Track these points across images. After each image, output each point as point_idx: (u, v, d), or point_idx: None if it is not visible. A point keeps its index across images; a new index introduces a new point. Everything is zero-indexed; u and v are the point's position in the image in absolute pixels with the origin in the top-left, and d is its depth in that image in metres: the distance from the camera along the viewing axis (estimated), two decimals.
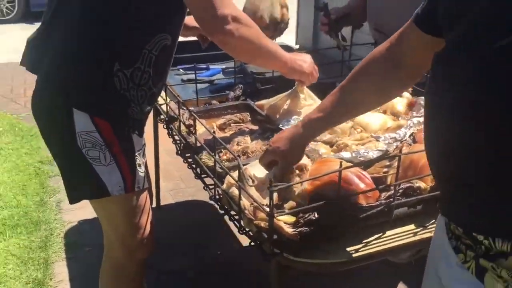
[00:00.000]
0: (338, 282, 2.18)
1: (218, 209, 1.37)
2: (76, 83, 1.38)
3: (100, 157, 1.40)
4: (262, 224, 1.11)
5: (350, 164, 1.23)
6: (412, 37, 1.02)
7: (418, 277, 1.07)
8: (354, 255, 1.14)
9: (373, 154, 1.37)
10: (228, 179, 1.26)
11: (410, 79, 1.15)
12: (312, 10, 5.82)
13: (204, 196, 2.94)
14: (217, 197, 1.36)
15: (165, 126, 1.78)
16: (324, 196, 1.14)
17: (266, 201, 1.14)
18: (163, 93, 1.69)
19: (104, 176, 1.42)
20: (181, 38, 1.53)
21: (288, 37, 5.45)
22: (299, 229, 1.09)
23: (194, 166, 1.55)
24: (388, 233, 1.21)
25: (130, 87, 1.39)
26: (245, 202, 1.15)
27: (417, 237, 1.20)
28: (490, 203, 0.79)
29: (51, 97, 1.42)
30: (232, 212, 1.28)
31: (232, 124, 1.71)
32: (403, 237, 1.20)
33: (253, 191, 1.16)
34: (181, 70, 2.27)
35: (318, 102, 1.65)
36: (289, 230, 1.09)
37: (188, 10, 1.41)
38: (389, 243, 1.18)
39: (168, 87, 1.74)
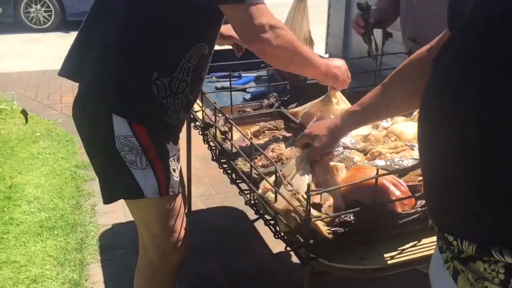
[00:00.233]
0: None
1: (254, 213, 1.40)
2: (116, 89, 1.44)
3: (137, 161, 1.45)
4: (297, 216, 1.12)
5: (385, 172, 1.24)
6: (445, 39, 1.04)
7: None
8: (389, 261, 1.15)
9: (408, 163, 1.38)
10: (264, 184, 1.28)
11: None
12: (343, 19, 5.83)
13: (233, 202, 2.98)
14: (252, 202, 1.38)
15: (200, 133, 1.83)
16: (360, 203, 1.15)
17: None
18: (199, 100, 1.73)
19: (140, 179, 1.46)
20: (216, 47, 1.57)
21: (318, 46, 5.47)
22: (333, 229, 1.11)
23: (229, 171, 1.58)
24: (424, 241, 1.21)
25: (167, 95, 1.43)
26: (281, 207, 1.17)
27: None
28: (455, 203, 0.80)
29: (93, 102, 1.48)
30: (267, 217, 1.30)
31: (266, 131, 1.74)
32: None
33: (289, 196, 1.18)
34: (214, 77, 2.32)
35: (349, 106, 1.66)
36: (324, 228, 1.10)
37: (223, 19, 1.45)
38: (425, 251, 1.18)
39: (204, 94, 1.78)
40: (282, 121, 1.80)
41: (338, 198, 1.19)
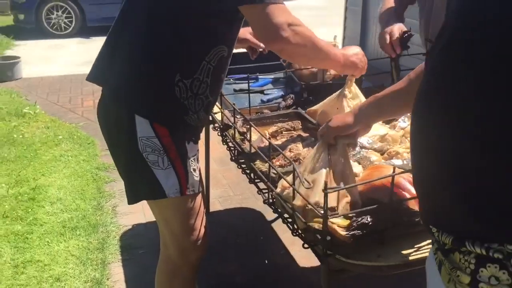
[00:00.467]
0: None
1: (271, 213, 1.42)
2: (140, 92, 1.48)
3: (159, 161, 1.48)
4: (316, 226, 1.15)
5: (402, 170, 1.26)
6: None
7: None
8: (405, 259, 1.16)
9: None
10: (282, 182, 1.31)
11: None
12: (359, 22, 5.83)
13: (251, 203, 3.01)
14: (271, 200, 1.41)
15: (219, 134, 1.86)
16: (377, 201, 1.17)
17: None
18: (218, 102, 1.76)
19: (162, 179, 1.50)
20: (234, 50, 1.60)
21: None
22: (352, 232, 1.13)
23: (248, 171, 1.61)
24: None
25: (189, 96, 1.47)
26: (298, 203, 1.19)
27: None
28: (433, 196, 0.83)
29: (117, 105, 1.52)
30: (285, 215, 1.33)
31: (284, 132, 1.76)
32: None
33: (307, 195, 1.20)
34: (232, 80, 2.35)
35: (363, 100, 1.66)
36: (342, 233, 1.12)
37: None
38: None
39: (223, 96, 1.81)
40: (299, 121, 1.82)
41: (355, 195, 1.21)
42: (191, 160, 1.54)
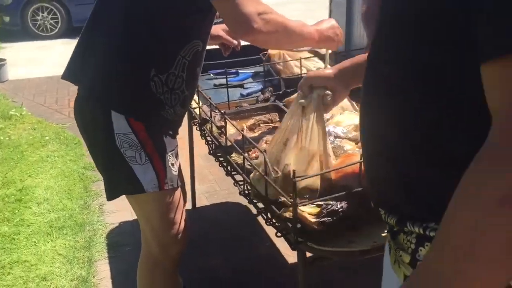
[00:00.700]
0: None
1: (247, 202, 1.44)
2: (115, 88, 1.49)
3: (136, 157, 1.50)
4: (287, 214, 1.17)
5: None
6: None
7: None
8: (376, 243, 1.18)
9: None
10: (254, 173, 1.33)
11: None
12: (344, 14, 5.84)
13: (237, 198, 3.02)
14: (246, 192, 1.43)
15: (197, 128, 1.88)
16: (347, 187, 1.19)
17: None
18: (196, 97, 1.78)
19: (140, 174, 1.51)
20: (208, 47, 1.61)
21: None
22: (322, 219, 1.15)
23: (225, 164, 1.63)
24: None
25: (165, 91, 1.48)
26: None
27: None
28: (378, 178, 0.84)
29: (92, 103, 1.53)
30: (260, 205, 1.35)
31: (261, 125, 1.78)
32: None
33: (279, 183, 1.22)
34: (211, 75, 2.37)
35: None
36: (312, 220, 1.14)
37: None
38: None
39: (200, 91, 1.83)
40: (276, 114, 1.84)
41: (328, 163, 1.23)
42: (169, 155, 1.56)
